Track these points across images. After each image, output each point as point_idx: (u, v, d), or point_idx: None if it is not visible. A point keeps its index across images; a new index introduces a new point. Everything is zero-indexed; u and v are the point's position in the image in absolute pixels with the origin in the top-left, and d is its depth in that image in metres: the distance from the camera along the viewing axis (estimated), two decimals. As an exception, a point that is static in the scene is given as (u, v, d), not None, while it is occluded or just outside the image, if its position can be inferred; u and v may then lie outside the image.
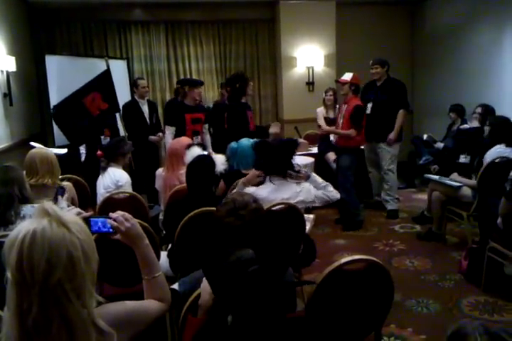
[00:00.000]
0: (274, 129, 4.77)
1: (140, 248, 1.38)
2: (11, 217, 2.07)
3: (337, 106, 5.40)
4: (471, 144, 4.24)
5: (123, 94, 5.45)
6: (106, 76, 4.92)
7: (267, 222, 1.77)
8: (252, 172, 2.95)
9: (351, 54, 6.86)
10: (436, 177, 4.23)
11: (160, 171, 3.62)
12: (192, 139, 4.22)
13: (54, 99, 5.06)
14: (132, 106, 5.32)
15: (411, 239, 4.30)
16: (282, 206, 2.68)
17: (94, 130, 4.98)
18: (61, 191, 2.72)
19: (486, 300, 3.04)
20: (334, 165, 4.94)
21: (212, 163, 2.86)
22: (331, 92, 5.61)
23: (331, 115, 5.48)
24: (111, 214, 1.37)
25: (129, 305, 1.25)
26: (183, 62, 6.78)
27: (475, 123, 4.64)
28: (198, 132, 4.78)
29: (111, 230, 1.37)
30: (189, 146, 3.20)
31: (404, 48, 7.44)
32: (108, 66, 4.94)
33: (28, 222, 1.03)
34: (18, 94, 5.04)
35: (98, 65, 5.07)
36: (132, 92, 5.59)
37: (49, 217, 1.02)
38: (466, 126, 5.04)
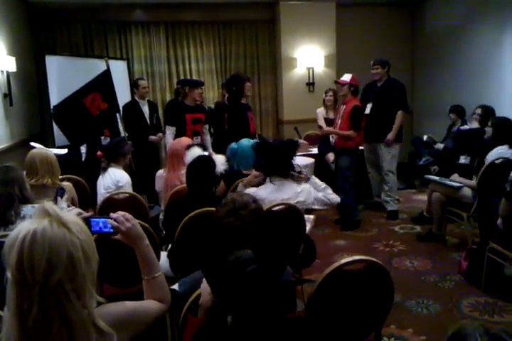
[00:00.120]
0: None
1: (140, 248, 1.38)
2: (11, 217, 2.07)
3: (337, 106, 5.40)
4: (471, 145, 4.24)
5: (123, 95, 5.45)
6: (106, 76, 4.92)
7: (267, 223, 1.77)
8: (253, 174, 2.96)
9: (351, 55, 6.86)
10: (436, 177, 4.23)
11: (160, 172, 3.62)
12: (192, 139, 4.23)
13: (54, 99, 5.06)
14: (132, 106, 5.32)
15: (411, 239, 4.30)
16: (282, 206, 2.68)
17: (94, 130, 4.99)
18: (61, 192, 2.72)
19: (486, 301, 3.04)
20: (333, 166, 4.94)
21: (212, 163, 2.87)
22: (331, 93, 5.62)
23: (331, 116, 5.48)
24: (111, 215, 1.37)
25: (129, 305, 1.25)
26: (183, 62, 6.78)
27: (475, 124, 4.64)
28: (199, 132, 4.78)
29: (112, 230, 1.37)
30: (189, 147, 3.20)
31: (404, 49, 7.44)
32: (108, 66, 4.94)
33: (29, 222, 1.03)
34: (18, 95, 5.04)
35: (98, 66, 5.07)
36: (132, 93, 5.59)
37: (49, 217, 1.02)
38: (466, 126, 5.04)
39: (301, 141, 5.06)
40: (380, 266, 1.80)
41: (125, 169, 3.70)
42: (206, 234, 1.77)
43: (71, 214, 1.14)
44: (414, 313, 2.97)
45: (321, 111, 5.71)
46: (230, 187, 3.24)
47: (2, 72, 4.58)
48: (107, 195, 3.24)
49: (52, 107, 4.99)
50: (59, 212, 1.05)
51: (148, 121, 5.37)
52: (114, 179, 3.41)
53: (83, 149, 5.11)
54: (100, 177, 3.51)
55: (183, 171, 2.99)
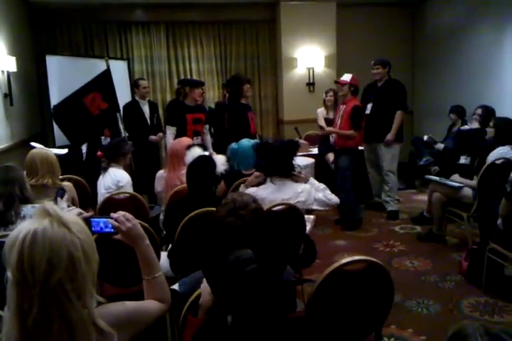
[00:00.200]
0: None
1: (141, 248, 1.38)
2: (11, 217, 2.07)
3: (337, 106, 5.40)
4: (471, 145, 4.24)
5: (123, 95, 5.45)
6: (106, 76, 4.93)
7: (267, 222, 1.77)
8: (254, 174, 2.97)
9: (352, 55, 6.86)
10: (436, 178, 4.24)
11: (160, 173, 3.62)
12: (192, 139, 4.23)
13: (54, 99, 5.06)
14: (133, 106, 5.32)
15: (411, 239, 4.30)
16: (283, 206, 2.68)
17: (94, 130, 4.99)
18: (61, 193, 2.72)
19: (486, 301, 3.04)
20: (333, 166, 4.94)
21: (212, 163, 2.87)
22: (331, 93, 5.62)
23: (331, 116, 5.48)
24: (112, 215, 1.37)
25: (130, 305, 1.25)
26: (184, 62, 6.78)
27: (475, 125, 4.64)
28: (199, 132, 4.79)
29: (112, 230, 1.37)
30: (190, 147, 3.20)
31: (404, 49, 7.44)
32: (108, 66, 4.94)
33: (29, 222, 1.03)
34: (18, 95, 5.04)
35: (98, 66, 5.07)
36: (133, 93, 5.59)
37: (50, 217, 1.03)
38: (466, 127, 5.03)
39: (301, 141, 5.07)
40: (380, 266, 1.80)
41: (125, 169, 3.70)
42: (206, 234, 1.77)
43: (71, 214, 1.14)
44: (414, 313, 2.97)
45: (321, 111, 5.72)
46: (230, 187, 3.24)
47: (2, 71, 4.58)
48: (108, 195, 3.24)
49: (52, 107, 4.99)
50: (59, 212, 1.05)
51: (149, 121, 5.37)
52: (115, 179, 3.41)
53: (84, 149, 5.11)
54: (100, 177, 3.51)
55: (184, 171, 2.99)
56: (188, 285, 1.69)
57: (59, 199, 2.69)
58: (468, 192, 3.88)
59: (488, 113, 4.54)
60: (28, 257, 0.98)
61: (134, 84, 5.46)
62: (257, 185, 2.95)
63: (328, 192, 2.97)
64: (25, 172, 2.67)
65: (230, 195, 1.83)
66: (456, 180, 3.99)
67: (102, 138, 5.12)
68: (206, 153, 3.23)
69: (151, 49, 6.63)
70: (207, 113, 4.97)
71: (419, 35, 7.39)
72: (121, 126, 5.23)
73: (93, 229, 1.37)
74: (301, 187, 2.86)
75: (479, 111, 4.64)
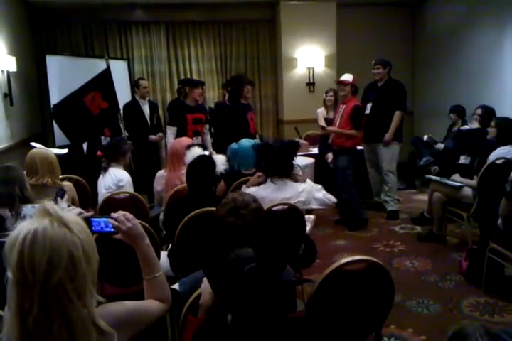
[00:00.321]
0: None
1: (141, 247, 1.38)
2: (12, 217, 2.07)
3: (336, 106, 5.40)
4: (471, 145, 4.24)
5: (123, 95, 5.45)
6: (106, 75, 4.93)
7: (268, 222, 1.77)
8: (256, 174, 2.97)
9: (352, 55, 6.86)
10: (437, 177, 4.24)
11: (161, 173, 3.61)
12: (192, 139, 4.23)
13: (54, 99, 5.06)
14: (133, 106, 5.32)
15: (411, 239, 4.30)
16: (283, 206, 2.68)
17: (94, 129, 4.98)
18: (61, 193, 2.71)
19: (486, 301, 3.04)
20: (332, 166, 4.94)
21: (212, 163, 2.87)
22: (331, 93, 5.62)
23: (332, 116, 5.47)
24: (112, 214, 1.38)
25: (130, 305, 1.25)
26: (184, 62, 6.79)
27: (475, 125, 4.64)
28: (199, 132, 4.79)
29: (112, 230, 1.37)
30: (190, 146, 3.20)
31: (404, 49, 7.44)
32: (108, 65, 4.94)
33: (29, 222, 1.03)
34: (18, 94, 5.04)
35: (98, 65, 5.08)
36: (133, 93, 5.59)
37: (50, 217, 1.03)
38: (466, 127, 5.04)
39: (301, 141, 5.07)
40: (380, 266, 1.80)
41: (125, 168, 3.70)
42: (207, 233, 1.77)
43: (72, 214, 1.14)
44: (414, 313, 2.97)
45: (321, 111, 5.71)
46: (230, 187, 3.24)
47: (2, 71, 4.58)
48: (108, 194, 3.24)
49: (52, 106, 4.99)
50: (60, 212, 1.05)
51: (149, 121, 5.38)
52: (115, 179, 3.41)
53: (85, 147, 5.10)
54: (101, 177, 3.51)
55: (184, 171, 2.99)
56: (188, 284, 1.69)
57: (59, 199, 2.69)
58: (468, 191, 3.88)
59: (488, 113, 4.54)
60: (29, 257, 0.98)
61: (135, 84, 5.46)
62: (258, 184, 2.95)
63: (324, 192, 2.97)
64: (25, 172, 2.67)
65: (231, 194, 1.83)
66: (456, 180, 3.99)
67: (102, 137, 5.12)
68: (206, 153, 3.22)
69: (151, 49, 6.63)
70: (207, 113, 4.97)
71: (419, 35, 7.39)
72: (121, 126, 5.23)
73: (93, 228, 1.37)
74: (301, 186, 2.86)
75: (479, 111, 4.64)
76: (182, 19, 6.64)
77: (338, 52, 6.72)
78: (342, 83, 4.60)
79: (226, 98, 5.19)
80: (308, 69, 6.68)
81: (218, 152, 3.90)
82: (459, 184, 3.92)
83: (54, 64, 5.21)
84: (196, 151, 3.08)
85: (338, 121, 4.65)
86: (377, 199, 5.26)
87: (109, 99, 4.94)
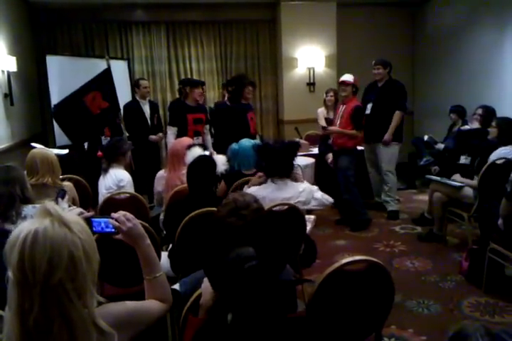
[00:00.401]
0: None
1: (141, 248, 1.38)
2: (12, 216, 2.07)
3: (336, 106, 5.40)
4: (471, 145, 4.24)
5: (124, 95, 5.45)
6: (106, 75, 4.93)
7: (268, 222, 1.77)
8: (257, 175, 2.97)
9: (352, 55, 6.86)
10: (437, 177, 4.24)
11: (161, 173, 3.61)
12: (193, 140, 4.23)
13: (55, 99, 5.07)
14: (133, 106, 5.32)
15: (412, 240, 4.30)
16: (283, 207, 2.68)
17: (94, 129, 4.99)
18: (62, 193, 2.72)
19: (486, 302, 3.04)
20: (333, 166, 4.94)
21: (213, 163, 2.87)
22: (331, 93, 5.62)
23: (332, 116, 5.48)
24: (113, 214, 1.38)
25: (130, 305, 1.25)
26: (184, 62, 6.79)
27: (475, 125, 4.63)
28: (200, 132, 4.78)
29: (113, 230, 1.37)
30: (190, 147, 3.20)
31: (405, 49, 7.44)
32: (109, 65, 4.94)
33: (30, 222, 1.03)
34: (19, 95, 5.04)
35: (99, 66, 5.08)
36: (133, 93, 5.59)
37: (51, 217, 1.03)
38: (466, 127, 5.03)
39: (301, 141, 5.07)
40: (380, 266, 1.80)
41: (126, 169, 3.69)
42: (207, 233, 1.77)
43: (72, 214, 1.14)
44: (414, 313, 2.96)
45: (321, 111, 5.71)
46: (231, 187, 3.24)
47: (3, 71, 4.58)
48: (108, 195, 3.24)
49: (52, 106, 4.99)
50: (60, 212, 1.05)
51: (149, 121, 5.38)
52: (116, 179, 3.40)
53: (86, 146, 5.10)
54: (101, 177, 3.51)
55: (184, 171, 2.99)
56: (188, 285, 1.69)
57: (60, 199, 2.69)
58: (469, 191, 3.88)
59: (488, 113, 4.53)
60: (29, 257, 0.98)
61: (135, 84, 5.46)
62: (259, 184, 2.95)
63: (322, 192, 2.98)
64: (25, 172, 2.67)
65: (231, 194, 1.82)
66: (457, 180, 3.99)
67: (102, 137, 5.12)
68: (207, 153, 3.22)
69: (152, 49, 6.64)
70: (207, 113, 4.97)
71: (420, 35, 7.39)
72: (122, 126, 5.23)
73: (94, 229, 1.38)
74: (301, 186, 2.87)
75: (480, 111, 4.63)
76: (182, 19, 6.64)
77: (338, 52, 6.72)
78: (344, 83, 4.59)
79: (226, 98, 5.19)
80: (309, 69, 6.68)
81: (218, 152, 3.90)
82: (459, 184, 3.92)
83: (54, 64, 5.21)
84: (197, 151, 3.08)
85: (338, 122, 4.65)
86: (378, 200, 5.26)
87: (110, 98, 4.94)
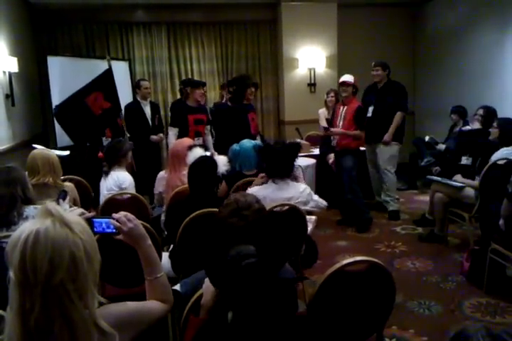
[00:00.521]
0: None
1: (143, 248, 1.38)
2: (14, 217, 2.07)
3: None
4: (472, 146, 4.23)
5: (125, 96, 5.45)
6: (107, 75, 4.93)
7: (270, 222, 1.77)
8: (259, 175, 2.98)
9: (353, 55, 6.87)
10: (438, 178, 4.24)
11: (162, 174, 3.61)
12: (194, 140, 4.23)
13: (56, 100, 5.07)
14: (134, 107, 5.33)
15: (413, 240, 4.30)
16: (284, 207, 2.68)
17: (96, 129, 4.99)
18: (63, 195, 2.72)
19: (488, 302, 3.04)
20: (334, 167, 4.93)
21: (214, 164, 2.87)
22: (332, 94, 5.62)
23: (333, 116, 5.48)
24: (114, 215, 1.38)
25: (131, 305, 1.25)
26: (185, 63, 6.79)
27: (476, 125, 4.63)
28: (200, 133, 4.78)
29: (114, 231, 1.37)
30: (191, 147, 3.21)
31: (405, 50, 7.44)
32: (110, 65, 4.95)
33: (31, 222, 1.03)
34: (20, 95, 5.04)
35: (100, 66, 5.08)
36: (134, 93, 5.60)
37: (52, 218, 1.03)
38: (467, 127, 5.04)
39: (302, 141, 5.06)
40: (381, 266, 1.80)
41: (127, 169, 3.68)
42: (209, 234, 1.77)
43: (74, 215, 1.14)
44: (415, 314, 2.96)
45: (322, 111, 5.72)
46: (232, 187, 3.24)
47: (4, 72, 4.58)
48: (109, 195, 3.24)
49: (54, 107, 5.00)
50: (62, 212, 1.05)
51: (150, 122, 5.38)
52: (118, 181, 3.38)
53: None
54: (102, 179, 3.50)
55: (185, 172, 2.99)
56: (189, 285, 1.69)
57: (61, 201, 2.69)
58: (470, 192, 3.88)
59: (489, 113, 4.53)
60: (30, 257, 0.98)
61: (136, 85, 5.46)
62: (260, 185, 2.95)
63: (317, 195, 2.98)
64: (26, 173, 2.67)
65: (233, 195, 1.82)
66: (458, 181, 3.99)
67: (103, 138, 5.12)
68: (208, 154, 3.23)
69: (152, 50, 6.64)
70: (208, 113, 4.97)
71: (421, 35, 7.39)
72: (124, 126, 5.23)
73: (95, 229, 1.38)
74: (302, 186, 2.87)
75: (481, 111, 4.63)
76: (183, 20, 6.64)
77: (339, 52, 6.72)
78: (344, 84, 4.59)
79: (224, 99, 5.19)
80: (310, 69, 6.68)
81: (219, 153, 3.90)
82: (460, 184, 3.92)
83: (55, 65, 5.22)
84: (198, 152, 3.08)
85: (341, 123, 4.62)
86: (378, 199, 5.26)
87: (111, 99, 4.94)
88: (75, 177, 3.63)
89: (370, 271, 1.80)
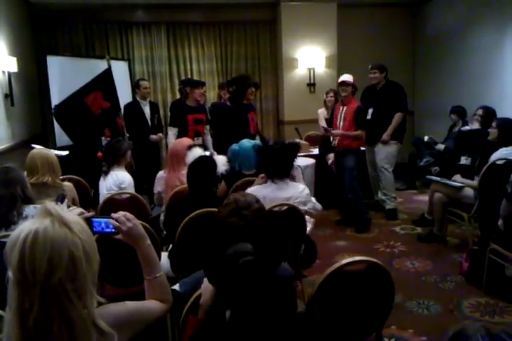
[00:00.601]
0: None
1: (142, 248, 1.38)
2: (14, 217, 2.07)
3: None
4: (471, 146, 4.24)
5: (124, 96, 5.45)
6: (107, 75, 4.93)
7: (269, 222, 1.77)
8: (260, 176, 2.98)
9: (352, 55, 6.87)
10: (437, 178, 4.24)
11: (161, 174, 3.62)
12: (193, 140, 4.23)
13: (55, 100, 5.07)
14: (134, 107, 5.33)
15: (412, 240, 4.30)
16: (283, 207, 2.68)
17: (96, 129, 4.98)
18: (61, 198, 2.71)
19: (487, 302, 3.04)
20: (334, 168, 4.93)
21: (213, 163, 2.87)
22: (331, 94, 5.62)
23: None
24: (113, 215, 1.38)
25: (130, 305, 1.25)
26: (185, 63, 6.79)
27: (476, 125, 4.64)
28: (200, 133, 4.78)
29: (113, 230, 1.37)
30: (190, 147, 3.21)
31: (405, 50, 7.45)
32: (109, 65, 4.94)
33: (30, 222, 1.03)
34: (19, 95, 5.04)
35: (99, 66, 5.08)
36: (134, 93, 5.60)
37: (51, 217, 1.03)
38: (467, 127, 5.04)
39: (302, 141, 5.06)
40: (380, 266, 1.80)
41: (127, 169, 3.68)
42: (208, 234, 1.77)
43: (73, 214, 1.14)
44: (414, 314, 2.96)
45: (322, 111, 5.72)
46: (231, 187, 3.24)
47: (3, 72, 4.58)
48: (109, 195, 3.24)
49: (53, 106, 4.99)
50: (61, 212, 1.05)
51: (150, 122, 5.38)
52: (117, 181, 3.38)
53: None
54: (102, 179, 3.49)
55: (184, 172, 2.99)
56: (188, 285, 1.69)
57: (59, 203, 2.68)
58: (469, 192, 3.88)
59: (488, 113, 4.54)
60: (29, 257, 0.98)
61: (135, 85, 5.46)
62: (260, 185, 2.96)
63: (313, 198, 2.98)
64: (25, 173, 2.67)
65: (233, 195, 1.82)
66: (457, 181, 3.99)
67: (103, 138, 5.12)
68: (207, 153, 3.22)
69: (152, 49, 6.64)
70: (208, 113, 4.97)
71: (420, 35, 7.40)
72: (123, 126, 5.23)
73: (94, 229, 1.38)
74: (301, 186, 2.87)
75: (480, 111, 4.64)
76: (183, 20, 6.64)
77: (338, 52, 6.72)
78: (344, 84, 4.58)
79: (222, 99, 5.18)
80: (309, 69, 6.68)
81: (218, 152, 3.90)
82: (459, 184, 3.92)
83: (55, 64, 5.22)
84: (197, 152, 3.08)
85: (341, 123, 4.61)
86: (377, 198, 5.26)
87: (111, 98, 4.94)
88: (74, 176, 3.62)
89: (369, 271, 1.80)
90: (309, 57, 6.60)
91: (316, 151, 5.52)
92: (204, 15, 6.63)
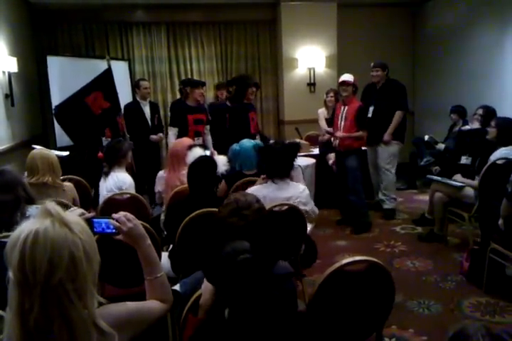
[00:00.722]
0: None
1: (142, 248, 1.38)
2: (17, 217, 2.06)
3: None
4: (472, 145, 4.24)
5: (124, 96, 5.45)
6: (107, 75, 4.93)
7: (270, 222, 1.77)
8: (261, 176, 2.98)
9: (352, 55, 6.86)
10: (438, 177, 4.24)
11: (161, 174, 3.62)
12: (194, 140, 4.23)
13: (55, 100, 5.07)
14: (134, 107, 5.33)
15: (412, 240, 4.30)
16: (284, 207, 2.68)
17: (96, 129, 4.98)
18: None
19: (487, 302, 3.04)
20: (335, 168, 4.93)
21: (213, 163, 2.87)
22: (332, 93, 5.61)
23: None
24: (113, 215, 1.38)
25: (131, 305, 1.25)
26: (185, 63, 6.79)
27: (476, 125, 4.64)
28: (200, 133, 4.78)
29: (114, 231, 1.37)
30: (191, 147, 3.21)
31: (405, 49, 7.44)
32: (109, 65, 4.95)
33: (31, 222, 1.03)
34: (19, 95, 5.04)
35: (99, 66, 5.07)
36: (134, 93, 5.60)
37: (51, 217, 1.03)
38: (467, 127, 5.04)
39: (302, 141, 5.06)
40: (381, 266, 1.80)
41: (127, 170, 3.67)
42: (208, 234, 1.77)
43: (73, 215, 1.14)
44: (415, 314, 2.97)
45: (322, 111, 5.71)
46: (232, 187, 3.24)
47: (4, 72, 4.58)
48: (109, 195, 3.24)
49: (54, 107, 4.99)
50: (61, 212, 1.05)
51: (150, 122, 5.38)
52: (118, 183, 3.36)
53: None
54: (102, 179, 3.48)
55: (184, 172, 2.99)
56: (188, 285, 1.69)
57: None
58: (469, 191, 3.88)
59: (489, 113, 4.53)
60: (30, 257, 0.98)
61: (136, 85, 5.46)
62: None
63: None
64: (26, 173, 2.67)
65: (233, 195, 1.82)
66: (458, 180, 3.99)
67: (103, 138, 5.12)
68: (207, 153, 3.22)
69: (152, 49, 6.64)
70: (208, 113, 4.97)
71: (420, 35, 7.39)
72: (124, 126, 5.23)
73: (95, 229, 1.37)
74: (301, 186, 2.87)
75: (480, 111, 4.63)
76: (183, 20, 6.64)
77: (338, 52, 6.72)
78: (344, 83, 4.57)
79: (219, 99, 5.17)
80: (309, 69, 6.68)
81: (218, 152, 3.90)
82: (460, 184, 3.92)
83: (55, 65, 5.22)
84: (197, 152, 3.08)
85: (342, 124, 4.59)
86: (377, 198, 5.26)
87: (111, 99, 4.94)
88: (75, 177, 3.62)
89: (369, 271, 1.80)
90: (309, 57, 6.59)
91: (316, 151, 5.52)
92: (204, 15, 6.63)
